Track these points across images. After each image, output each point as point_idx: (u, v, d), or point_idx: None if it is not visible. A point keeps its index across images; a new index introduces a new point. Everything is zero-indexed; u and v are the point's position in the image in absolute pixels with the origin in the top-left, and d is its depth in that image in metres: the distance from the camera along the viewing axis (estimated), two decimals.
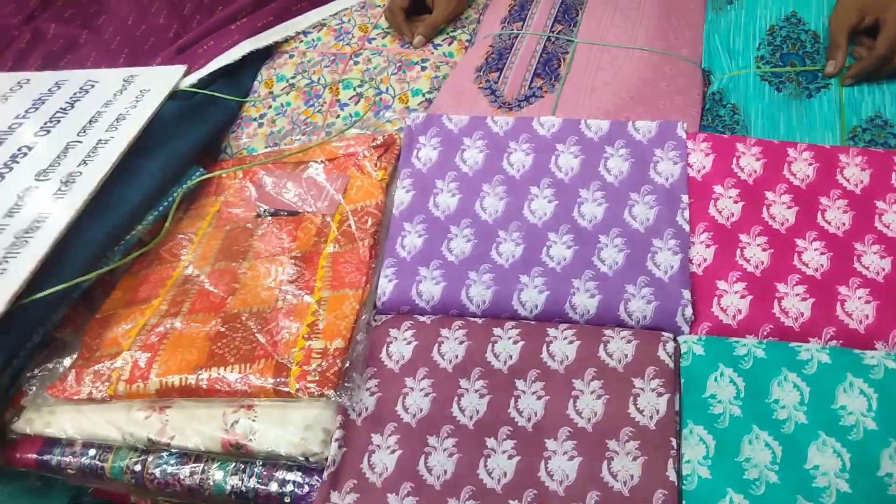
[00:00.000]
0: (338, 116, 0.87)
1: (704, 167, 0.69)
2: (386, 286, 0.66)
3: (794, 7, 0.85)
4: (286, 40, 0.97)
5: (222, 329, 0.63)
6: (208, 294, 0.68)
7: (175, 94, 0.87)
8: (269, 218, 0.76)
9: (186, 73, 0.90)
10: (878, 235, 0.63)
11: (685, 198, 0.66)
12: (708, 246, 0.64)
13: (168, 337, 0.64)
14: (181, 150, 0.80)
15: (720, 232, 0.65)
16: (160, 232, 0.76)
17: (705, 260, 0.64)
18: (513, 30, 0.89)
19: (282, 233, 0.74)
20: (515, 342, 0.61)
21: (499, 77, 0.82)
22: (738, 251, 0.64)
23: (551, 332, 0.61)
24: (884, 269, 0.61)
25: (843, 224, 0.64)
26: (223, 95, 0.88)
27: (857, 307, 0.59)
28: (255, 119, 0.90)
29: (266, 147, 0.87)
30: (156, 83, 0.88)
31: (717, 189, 0.67)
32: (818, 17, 0.84)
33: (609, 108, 0.77)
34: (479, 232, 0.67)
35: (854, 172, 0.67)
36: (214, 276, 0.70)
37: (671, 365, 0.58)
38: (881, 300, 0.59)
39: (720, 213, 0.66)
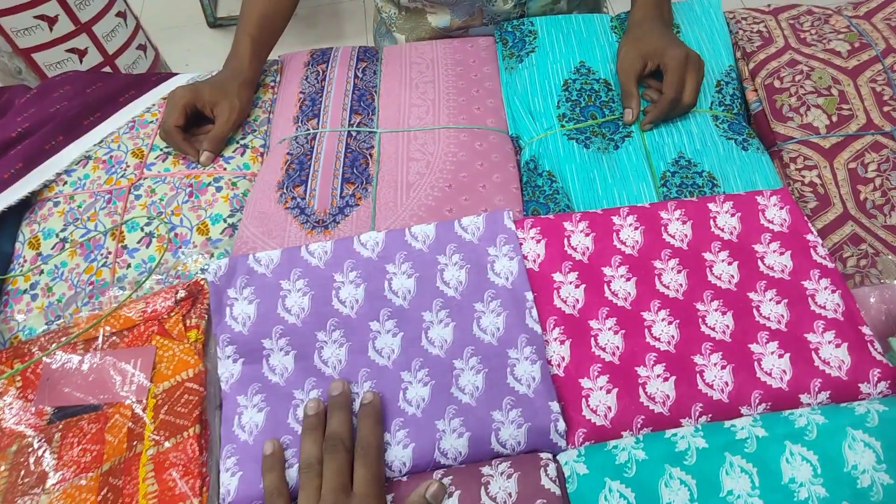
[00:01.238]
0: (128, 266, 0.75)
1: (539, 255, 0.66)
2: (230, 482, 0.56)
3: (581, 57, 0.85)
4: (46, 185, 0.82)
5: None
6: None
7: None
8: (63, 423, 0.63)
9: None
10: (713, 290, 0.63)
11: (529, 295, 0.63)
12: (562, 342, 0.61)
13: None
14: None
15: (570, 323, 0.62)
16: None
17: (563, 358, 0.61)
18: (309, 129, 0.81)
19: (84, 442, 0.61)
20: None
21: (305, 191, 0.74)
22: (593, 340, 0.61)
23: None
24: (728, 327, 0.61)
25: (681, 285, 0.64)
26: None
27: (716, 375, 0.58)
28: (25, 291, 0.75)
29: (47, 323, 0.72)
30: None
31: (557, 277, 0.64)
32: (604, 63, 0.85)
33: (430, 204, 0.72)
34: (326, 392, 0.59)
35: (677, 228, 0.67)
36: None
37: (558, 492, 0.54)
38: (734, 361, 0.59)
39: (565, 302, 0.63)
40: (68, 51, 1.79)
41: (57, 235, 0.78)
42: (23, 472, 0.60)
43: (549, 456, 0.56)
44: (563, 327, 0.62)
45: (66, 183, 0.82)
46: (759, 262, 0.64)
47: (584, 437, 0.57)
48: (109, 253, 0.76)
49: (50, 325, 0.72)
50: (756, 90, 0.81)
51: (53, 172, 0.82)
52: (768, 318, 0.61)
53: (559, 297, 0.63)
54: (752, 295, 0.63)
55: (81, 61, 1.81)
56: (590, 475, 0.54)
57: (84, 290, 0.74)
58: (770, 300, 0.62)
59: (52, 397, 0.65)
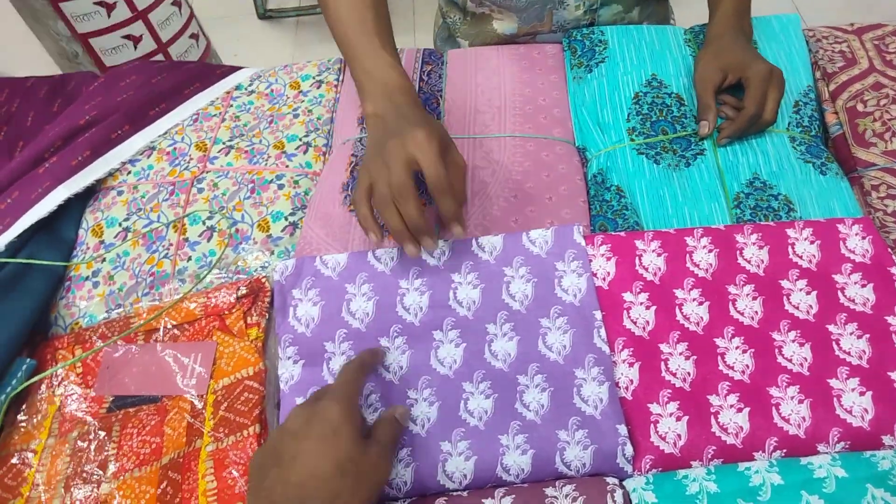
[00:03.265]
0: (189, 259, 0.75)
1: (609, 273, 0.64)
2: None
3: (654, 70, 0.83)
4: (111, 174, 0.82)
5: None
6: None
7: None
8: (122, 412, 0.63)
9: None
10: (791, 320, 0.61)
11: (598, 314, 0.61)
12: (631, 364, 0.60)
13: None
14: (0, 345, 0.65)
15: (640, 346, 0.60)
16: None
17: (632, 382, 0.59)
18: None
19: (143, 433, 0.61)
20: None
21: None
22: (663, 365, 0.59)
23: (487, 503, 0.54)
24: (805, 359, 0.59)
25: (756, 313, 0.62)
26: (42, 262, 0.72)
27: (792, 409, 0.56)
28: (87, 278, 0.75)
29: (108, 311, 0.73)
30: None
31: (628, 297, 0.63)
32: (677, 78, 0.83)
33: (496, 213, 0.71)
34: (385, 397, 0.58)
35: (753, 252, 0.65)
36: None
37: None
38: (812, 396, 0.57)
39: (635, 323, 0.62)
40: (124, 37, 1.81)
41: (120, 224, 0.78)
42: (84, 459, 0.60)
43: (616, 481, 0.55)
44: (632, 349, 0.60)
45: (130, 172, 0.83)
46: (840, 294, 0.62)
47: (652, 464, 0.55)
48: (171, 245, 0.76)
49: (110, 313, 0.73)
50: (836, 113, 0.78)
51: (119, 161, 0.83)
52: (849, 353, 0.59)
53: (629, 317, 0.62)
54: (831, 327, 0.60)
55: (136, 48, 1.83)
56: None
57: (145, 281, 0.74)
58: (851, 334, 0.60)
59: (111, 386, 0.65)
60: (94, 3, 1.72)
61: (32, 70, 1.03)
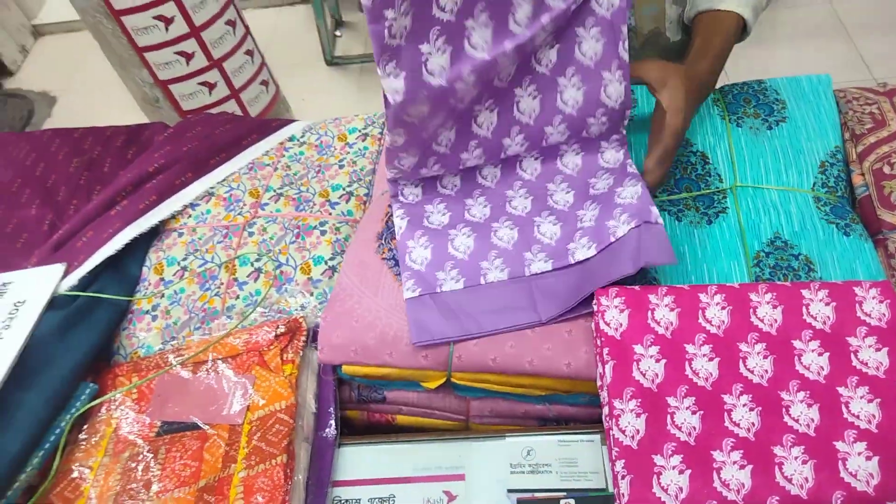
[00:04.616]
0: (237, 297, 0.82)
1: (622, 325, 0.67)
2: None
3: None
4: (173, 217, 0.91)
5: None
6: None
7: (54, 301, 0.80)
8: (169, 437, 0.69)
9: (66, 272, 0.83)
10: (800, 380, 0.62)
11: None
12: (638, 415, 0.62)
13: None
14: (67, 370, 0.73)
15: (647, 397, 0.63)
16: (51, 471, 0.68)
17: (638, 432, 0.61)
18: None
19: (185, 457, 0.67)
20: None
21: None
22: (669, 418, 0.61)
23: None
24: (813, 421, 0.59)
25: (766, 371, 0.63)
26: (110, 296, 0.81)
27: (796, 469, 0.57)
28: (147, 312, 0.83)
29: (163, 342, 0.80)
30: (32, 291, 0.80)
31: (638, 349, 0.65)
32: (703, 136, 0.85)
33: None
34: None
35: (767, 311, 0.66)
36: None
37: None
38: (817, 457, 0.57)
39: (644, 375, 0.64)
40: (200, 83, 1.96)
41: (178, 263, 0.86)
42: (131, 478, 0.67)
43: None
44: (640, 400, 0.63)
45: (190, 216, 0.91)
46: (853, 357, 0.63)
47: None
48: (222, 283, 0.83)
49: (165, 344, 0.80)
50: (863, 174, 0.79)
51: (181, 205, 0.91)
52: (858, 417, 0.59)
53: (638, 369, 0.64)
54: (841, 390, 0.61)
55: (210, 93, 1.98)
56: None
57: (197, 316, 0.81)
58: (861, 398, 0.60)
59: (163, 412, 0.72)
60: (175, 53, 1.87)
61: (120, 112, 1.14)
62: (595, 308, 0.69)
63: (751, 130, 0.85)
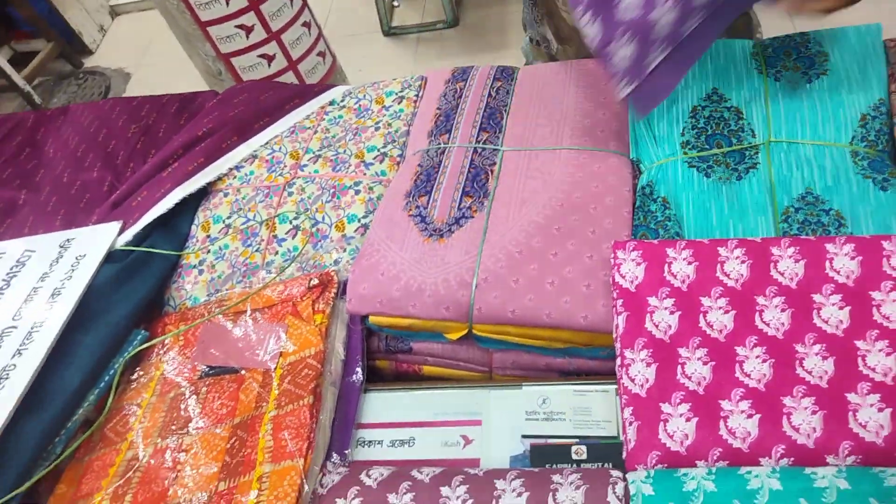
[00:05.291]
0: (276, 253, 0.87)
1: (637, 277, 0.68)
2: None
3: (715, 84, 0.85)
4: (220, 178, 0.97)
5: None
6: (150, 482, 0.66)
7: (111, 255, 0.87)
8: (211, 379, 0.75)
9: (122, 229, 0.90)
10: (817, 333, 0.61)
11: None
12: (648, 364, 0.63)
13: None
14: (121, 318, 0.79)
15: (659, 348, 0.63)
16: (105, 407, 0.75)
17: (647, 380, 0.62)
18: (440, 143, 0.89)
19: (223, 397, 0.72)
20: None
21: (428, 201, 0.81)
22: (680, 368, 0.62)
23: (498, 482, 0.59)
24: (826, 373, 0.59)
25: (783, 324, 0.62)
26: (161, 251, 0.87)
27: (804, 419, 0.57)
28: (194, 266, 0.89)
29: (208, 294, 0.86)
30: (91, 246, 0.87)
31: (652, 301, 0.66)
32: (738, 91, 0.83)
33: (539, 221, 0.76)
34: None
35: (788, 265, 0.65)
36: (157, 458, 0.68)
37: None
38: (826, 408, 0.57)
39: (657, 326, 0.65)
40: (259, 56, 2.02)
41: (223, 221, 0.92)
42: (175, 415, 0.73)
43: (620, 475, 0.58)
44: (651, 350, 0.63)
45: (235, 177, 0.96)
46: (875, 311, 0.61)
47: (658, 461, 0.58)
48: (262, 240, 0.88)
49: (210, 296, 0.86)
50: None
51: (227, 167, 0.97)
52: (874, 370, 0.58)
53: (651, 320, 0.65)
54: (859, 343, 0.60)
55: (270, 65, 2.04)
56: (654, 497, 0.55)
57: (239, 270, 0.87)
58: (880, 350, 0.59)
59: (205, 357, 0.78)
60: (235, 27, 1.94)
61: (188, 86, 1.21)
62: (612, 261, 0.69)
63: (789, 84, 0.82)
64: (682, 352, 0.63)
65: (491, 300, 0.72)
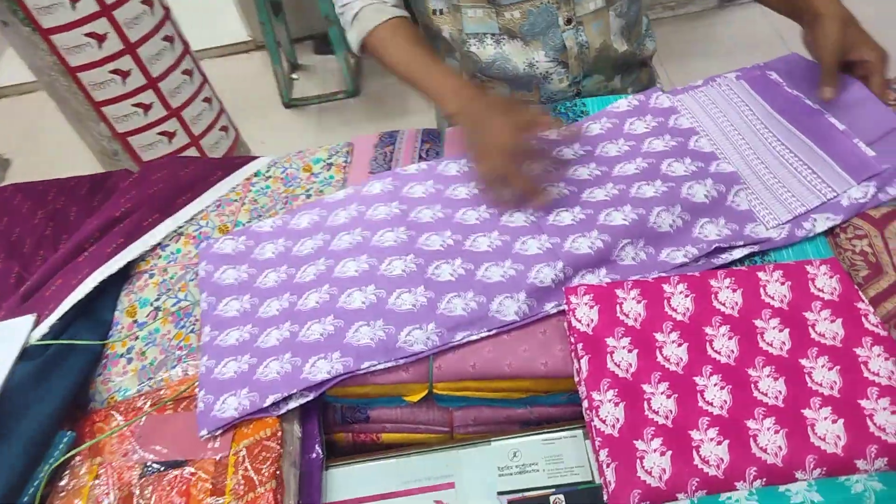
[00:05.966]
0: None
1: (592, 320, 0.69)
2: None
3: None
4: (143, 259, 0.91)
5: None
6: None
7: (26, 351, 0.79)
8: (154, 476, 0.69)
9: (37, 322, 0.83)
10: (765, 356, 0.65)
11: None
12: (616, 404, 0.64)
13: None
14: (43, 420, 0.72)
15: (623, 387, 0.65)
16: None
17: (618, 420, 0.63)
18: None
19: (171, 495, 0.66)
20: None
21: None
22: (646, 404, 0.63)
23: None
24: (780, 392, 0.62)
25: (732, 351, 0.66)
26: (82, 342, 0.80)
27: (770, 439, 0.59)
28: (122, 355, 0.82)
29: (140, 384, 0.80)
30: (2, 343, 0.79)
31: (611, 342, 0.67)
32: None
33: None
34: None
35: (728, 296, 0.70)
36: None
37: None
38: (787, 426, 0.60)
39: (618, 366, 0.66)
40: (160, 133, 1.96)
41: (151, 304, 0.86)
42: None
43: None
44: (616, 390, 0.64)
45: (160, 257, 0.91)
46: (811, 330, 0.66)
47: (640, 498, 0.59)
48: (197, 320, 0.83)
49: (142, 386, 0.79)
50: None
51: (149, 246, 0.92)
52: (820, 385, 0.62)
53: (612, 360, 0.66)
54: (803, 361, 0.64)
55: (171, 142, 1.99)
56: None
57: (173, 354, 0.81)
58: (822, 367, 0.63)
59: (144, 453, 0.71)
60: (132, 105, 1.88)
61: (75, 171, 1.14)
62: (566, 307, 0.71)
63: None
64: (646, 388, 0.64)
65: (450, 356, 0.72)
